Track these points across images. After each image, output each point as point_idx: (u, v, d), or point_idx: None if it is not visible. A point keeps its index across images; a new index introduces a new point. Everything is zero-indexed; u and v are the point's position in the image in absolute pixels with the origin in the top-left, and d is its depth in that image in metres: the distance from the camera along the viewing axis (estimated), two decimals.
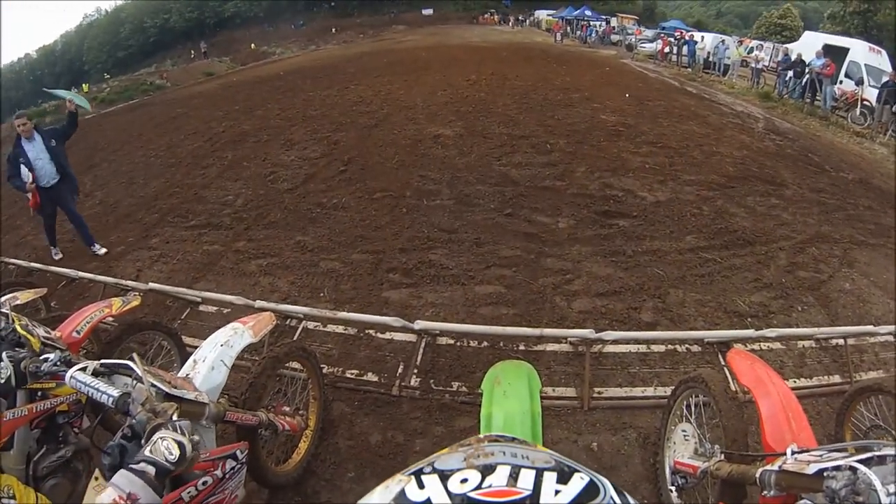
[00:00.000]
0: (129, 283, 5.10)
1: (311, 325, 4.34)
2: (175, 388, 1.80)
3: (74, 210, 6.58)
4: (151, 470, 1.31)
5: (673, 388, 2.88)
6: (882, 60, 17.52)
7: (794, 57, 16.89)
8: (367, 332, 4.23)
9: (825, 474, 1.35)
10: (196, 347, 3.60)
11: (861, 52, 17.75)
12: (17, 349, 2.01)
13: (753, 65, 19.73)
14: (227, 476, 1.92)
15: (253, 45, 43.68)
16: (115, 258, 6.46)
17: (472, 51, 24.09)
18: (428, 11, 52.94)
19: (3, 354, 1.84)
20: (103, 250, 6.58)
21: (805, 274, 5.15)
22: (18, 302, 3.50)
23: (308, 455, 3.08)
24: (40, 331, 2.46)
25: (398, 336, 4.15)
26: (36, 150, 6.05)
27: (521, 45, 27.81)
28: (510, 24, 45.82)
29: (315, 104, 13.07)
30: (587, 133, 9.51)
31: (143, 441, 1.44)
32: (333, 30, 46.00)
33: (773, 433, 2.01)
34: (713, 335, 3.98)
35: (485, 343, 4.05)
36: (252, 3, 57.96)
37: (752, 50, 23.35)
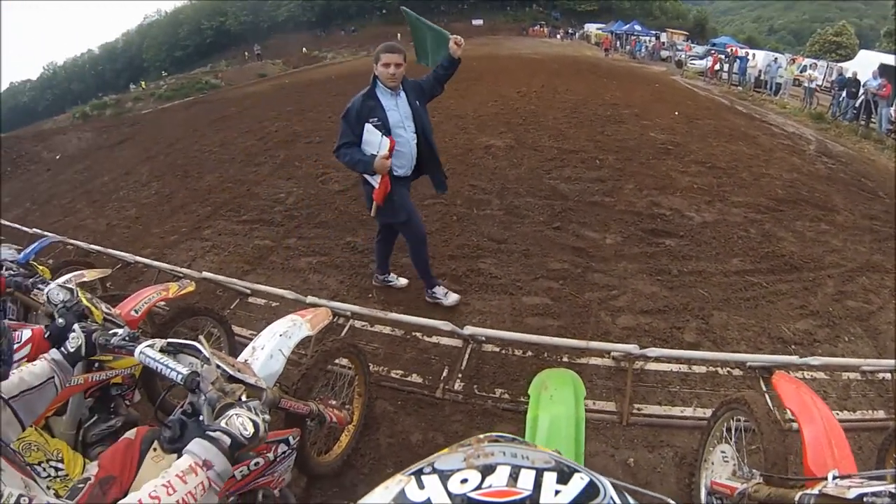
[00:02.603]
0: (183, 270, 5.26)
1: (358, 324, 4.41)
2: (238, 371, 1.85)
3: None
4: (227, 440, 1.36)
5: (714, 409, 2.87)
6: None
7: (848, 76, 16.40)
8: (413, 334, 4.28)
9: (865, 499, 1.36)
10: (244, 337, 3.74)
11: None
12: (83, 321, 2.09)
13: (806, 84, 19.13)
14: (277, 459, 1.99)
15: (305, 49, 44.71)
16: (170, 246, 6.68)
17: (522, 62, 24.13)
18: (478, 22, 53.36)
19: (76, 326, 1.92)
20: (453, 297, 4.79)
21: (853, 303, 5.00)
22: (85, 279, 3.72)
23: (349, 448, 3.14)
24: (103, 307, 2.58)
25: (444, 340, 4.19)
26: (400, 111, 4.08)
27: (571, 59, 27.72)
28: (559, 36, 45.78)
29: None
30: (636, 150, 9.45)
31: (202, 418, 1.48)
32: (399, 36, 46.69)
33: (815, 458, 2.00)
34: (756, 359, 3.91)
35: (529, 352, 4.07)
36: (305, 8, 59.35)
37: (804, 69, 22.93)
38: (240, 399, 1.57)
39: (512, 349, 4.11)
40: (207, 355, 1.72)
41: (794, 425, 3.05)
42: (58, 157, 15.58)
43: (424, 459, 0.76)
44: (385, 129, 3.93)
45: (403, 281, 5.02)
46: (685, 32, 44.07)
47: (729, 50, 27.65)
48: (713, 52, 28.40)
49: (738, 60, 23.33)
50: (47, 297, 2.59)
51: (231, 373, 1.77)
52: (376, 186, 4.03)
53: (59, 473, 2.13)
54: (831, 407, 3.72)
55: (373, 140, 3.91)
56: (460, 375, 3.82)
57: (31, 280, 3.12)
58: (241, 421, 1.42)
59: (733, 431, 2.66)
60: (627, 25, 39.53)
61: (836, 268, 5.55)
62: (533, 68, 21.37)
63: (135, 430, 1.82)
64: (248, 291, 4.96)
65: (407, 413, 3.56)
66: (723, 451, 2.61)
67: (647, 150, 9.50)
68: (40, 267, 4.00)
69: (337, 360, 3.12)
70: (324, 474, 2.92)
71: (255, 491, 1.99)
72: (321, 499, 2.98)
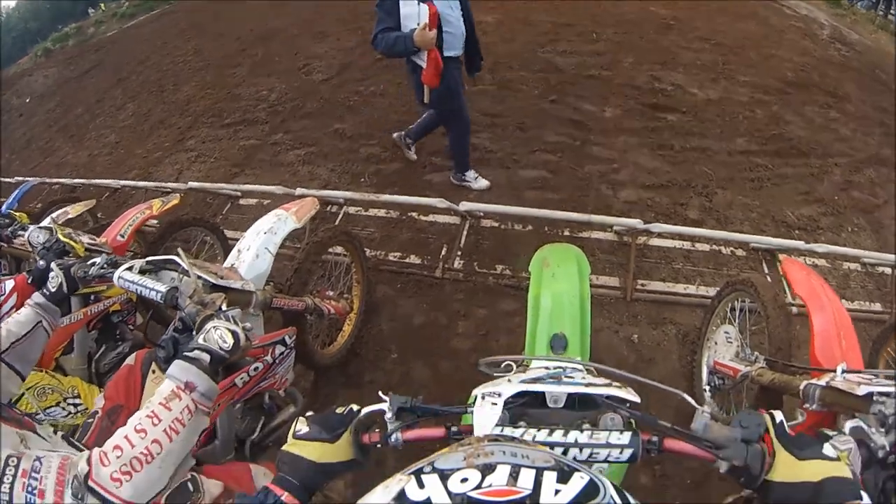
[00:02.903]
0: (170, 184, 5.23)
1: (352, 210, 4.34)
2: (221, 278, 1.83)
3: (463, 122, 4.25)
4: (206, 357, 1.32)
5: (719, 288, 2.86)
6: None
7: None
8: (409, 214, 4.20)
9: (874, 398, 1.35)
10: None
11: None
12: (64, 258, 2.04)
13: None
14: (276, 361, 1.98)
15: None
16: (154, 164, 6.52)
17: None
18: None
19: (53, 264, 1.84)
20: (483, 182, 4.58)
21: (859, 195, 4.89)
22: (70, 216, 3.66)
23: (352, 338, 3.18)
24: (84, 238, 2.55)
25: (441, 218, 4.12)
26: None
27: None
28: None
29: None
30: (636, 24, 9.00)
31: (194, 332, 1.45)
32: None
33: (823, 348, 1.96)
34: (761, 241, 3.91)
35: (529, 227, 4.02)
36: None
37: None
38: (220, 309, 1.52)
39: (511, 224, 4.06)
40: (186, 267, 1.71)
41: (796, 310, 3.15)
42: (27, 100, 15.06)
43: (424, 459, 0.74)
44: None
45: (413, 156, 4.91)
46: None
47: None
48: None
49: None
50: (28, 242, 2.60)
51: (213, 281, 1.77)
52: (423, 65, 3.56)
53: (80, 409, 2.22)
54: None
55: (411, 13, 3.46)
56: (459, 253, 3.80)
57: (9, 229, 3.09)
58: (220, 333, 1.38)
59: (737, 312, 2.66)
60: None
61: (843, 157, 5.41)
62: None
63: (134, 354, 1.87)
64: (238, 194, 4.90)
65: (407, 295, 3.57)
66: (726, 332, 2.62)
67: (647, 24, 9.06)
68: (17, 213, 3.91)
69: (331, 249, 3.08)
70: (329, 366, 2.96)
71: (260, 394, 2.04)
72: (329, 390, 3.03)
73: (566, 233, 4.00)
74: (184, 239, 3.44)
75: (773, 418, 0.93)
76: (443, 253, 3.82)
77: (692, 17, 9.77)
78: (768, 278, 3.49)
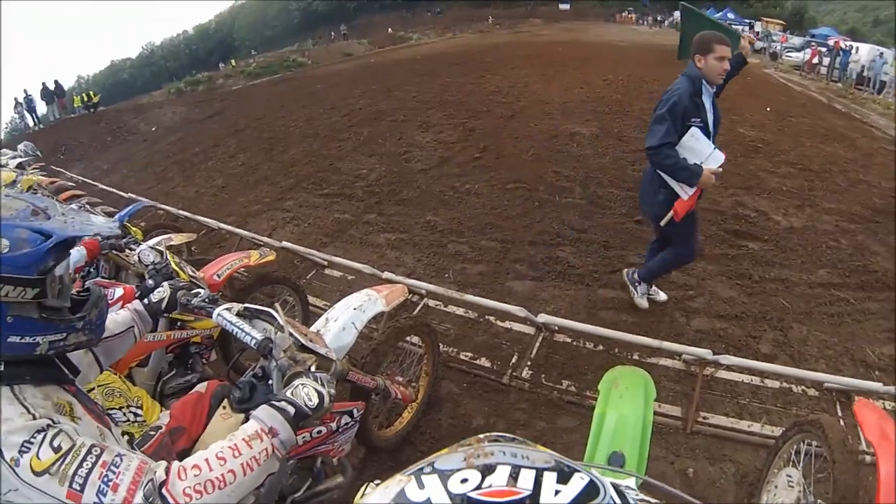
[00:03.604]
0: (264, 238, 5.46)
1: (432, 303, 4.46)
2: (311, 341, 1.92)
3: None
4: (291, 409, 1.41)
5: (784, 428, 2.73)
6: None
7: None
8: (486, 317, 4.27)
9: None
10: (318, 307, 3.86)
11: None
12: (172, 280, 2.19)
13: None
14: (339, 430, 2.07)
15: (391, 30, 45.07)
16: (252, 215, 6.98)
17: (610, 49, 23.41)
18: (565, 6, 52.14)
19: (165, 283, 2.03)
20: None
21: None
22: (173, 242, 3.87)
23: (410, 425, 3.18)
24: (189, 269, 2.79)
25: (517, 326, 4.17)
26: (714, 115, 3.65)
27: (659, 47, 26.57)
28: (648, 24, 44.07)
29: (452, 90, 13.27)
30: (724, 146, 8.71)
31: (272, 383, 1.55)
32: (490, 19, 45.84)
33: (889, 496, 1.89)
34: (835, 380, 3.66)
35: (600, 346, 4.01)
36: None
37: None
38: (309, 369, 1.63)
39: (583, 341, 4.05)
40: (282, 323, 1.80)
41: (869, 458, 2.92)
42: (154, 129, 16.58)
43: (424, 459, 0.77)
44: (706, 134, 3.48)
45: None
46: (782, 22, 41.24)
47: (830, 42, 25.72)
48: (812, 44, 26.53)
49: (839, 54, 21.41)
50: (138, 258, 2.85)
51: (303, 342, 1.86)
52: (684, 198, 3.59)
53: (138, 419, 2.32)
54: None
55: (697, 148, 3.45)
56: (529, 363, 3.79)
57: (123, 240, 3.36)
58: (307, 391, 1.48)
59: (802, 455, 2.52)
60: (720, 13, 37.45)
61: None
62: (620, 56, 20.68)
63: (205, 383, 1.95)
64: (326, 263, 5.10)
65: (472, 396, 3.56)
66: (788, 476, 2.50)
67: (734, 146, 8.99)
68: (133, 228, 4.33)
69: (408, 338, 3.13)
70: (382, 448, 2.97)
71: (314, 457, 2.08)
72: (376, 470, 3.00)
73: (635, 356, 3.95)
74: (268, 294, 3.65)
75: None
76: (513, 360, 3.81)
77: (779, 140, 9.76)
78: (841, 422, 3.30)
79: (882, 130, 12.77)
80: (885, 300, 4.89)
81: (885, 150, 10.56)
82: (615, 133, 9.35)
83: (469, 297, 4.19)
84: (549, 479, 0.68)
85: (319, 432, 1.95)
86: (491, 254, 5.20)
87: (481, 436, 0.92)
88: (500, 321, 4.25)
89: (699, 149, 3.42)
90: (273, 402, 1.43)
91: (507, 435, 0.95)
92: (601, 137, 9.08)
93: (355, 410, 2.15)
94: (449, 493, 0.67)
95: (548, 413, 3.43)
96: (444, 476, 0.70)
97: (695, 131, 3.41)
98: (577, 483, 0.67)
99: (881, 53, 21.06)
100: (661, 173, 3.62)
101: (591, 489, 0.67)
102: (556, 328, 4.03)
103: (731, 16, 37.04)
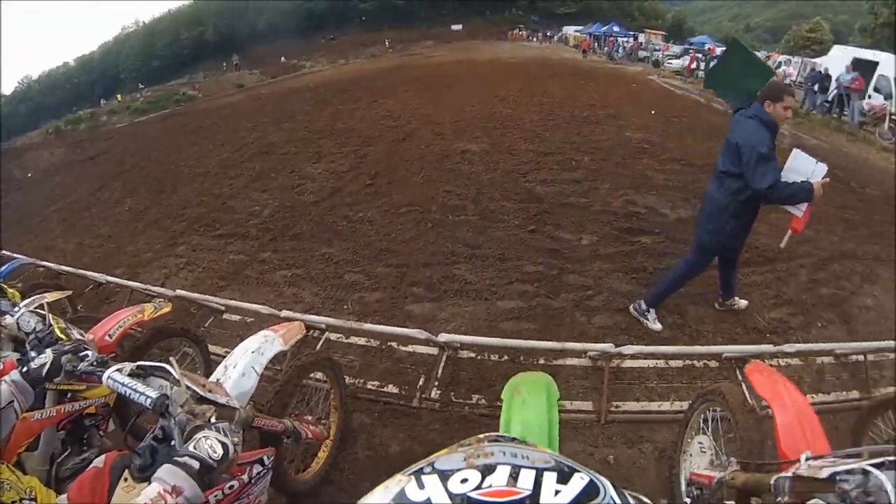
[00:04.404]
0: (156, 289, 5.19)
1: (333, 336, 4.36)
2: (209, 391, 1.82)
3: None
4: (195, 464, 1.34)
5: (690, 401, 2.91)
6: None
7: (820, 72, 16.92)
8: (389, 344, 4.24)
9: (838, 478, 1.37)
10: (220, 355, 3.67)
11: (890, 65, 17.43)
12: (56, 345, 2.05)
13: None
14: (252, 481, 1.94)
15: (283, 59, 44.61)
16: (143, 264, 6.62)
17: (500, 67, 24.35)
18: (457, 27, 53.64)
19: (49, 349, 1.89)
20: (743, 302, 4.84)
21: (826, 291, 5.09)
22: (46, 301, 3.58)
23: (327, 464, 3.09)
24: (75, 333, 2.51)
25: (420, 349, 4.16)
26: None
27: (549, 62, 27.97)
28: (538, 40, 46.12)
29: (343, 118, 13.25)
30: (612, 150, 9.49)
31: (174, 443, 1.47)
32: (386, 42, 46.11)
33: (788, 442, 2.03)
34: (731, 350, 3.97)
35: (505, 357, 4.07)
36: (285, 17, 59.11)
37: (780, 65, 23.33)
38: (209, 421, 1.55)
39: (488, 354, 4.09)
40: (177, 377, 1.70)
41: (769, 412, 3.16)
42: (29, 174, 15.43)
43: (424, 459, 0.76)
44: None
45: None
46: (663, 32, 44.71)
47: (707, 49, 28.08)
48: (691, 51, 28.84)
49: (715, 59, 23.66)
50: (17, 324, 2.55)
51: (202, 393, 1.75)
52: (798, 216, 3.87)
53: None
54: (806, 391, 3.78)
55: (801, 167, 3.79)
56: (436, 383, 3.80)
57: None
58: (210, 443, 1.40)
59: (710, 422, 2.69)
60: (605, 27, 39.89)
61: (808, 257, 5.62)
62: (511, 72, 21.52)
63: (103, 456, 1.78)
64: (223, 308, 4.91)
65: (384, 425, 3.53)
66: (700, 442, 2.65)
67: (622, 149, 9.55)
68: (10, 290, 3.92)
69: (312, 375, 3.07)
70: (302, 492, 2.86)
71: None
72: None
73: (541, 361, 4.04)
74: (166, 348, 3.43)
75: None
76: (420, 383, 3.83)
77: (664, 140, 10.32)
78: (743, 386, 3.52)
79: None
80: (767, 271, 5.34)
81: None
82: (506, 147, 9.62)
83: (368, 327, 4.17)
84: (549, 478, 0.68)
85: (231, 487, 1.81)
86: (387, 280, 5.17)
87: (481, 436, 0.92)
88: (402, 346, 4.22)
89: (802, 168, 3.75)
90: (175, 459, 1.33)
91: (508, 435, 0.98)
92: (491, 153, 9.31)
93: (266, 458, 2.02)
94: (449, 492, 0.66)
95: (462, 429, 3.43)
96: (444, 476, 0.70)
97: (796, 153, 3.80)
98: (577, 483, 0.67)
99: None
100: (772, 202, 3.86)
101: (591, 489, 0.66)
102: (459, 345, 4.05)
103: (616, 29, 39.35)
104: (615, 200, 7.09)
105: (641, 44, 35.65)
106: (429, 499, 0.66)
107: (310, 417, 2.87)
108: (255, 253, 6.28)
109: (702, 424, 2.75)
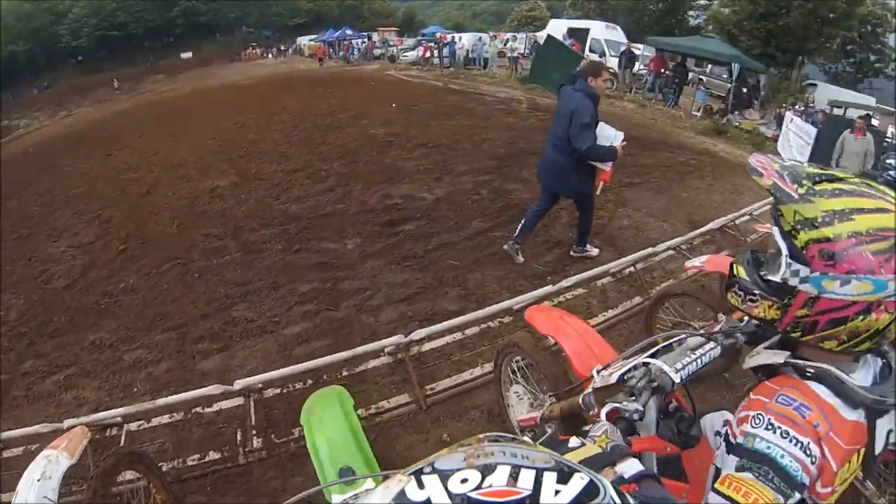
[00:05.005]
0: None
1: (133, 426, 4.00)
2: None
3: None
4: None
5: (493, 359, 3.17)
6: (617, 34, 22.53)
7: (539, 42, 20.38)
8: (193, 411, 4.04)
9: (625, 377, 1.53)
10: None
11: (600, 30, 22.83)
12: None
13: (510, 54, 22.88)
14: None
15: None
16: None
17: (236, 90, 23.55)
18: (187, 55, 49.94)
19: None
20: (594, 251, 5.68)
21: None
22: None
23: None
24: None
25: (225, 404, 4.03)
26: None
27: (285, 76, 27.72)
28: (273, 55, 45.23)
29: (76, 181, 11.85)
30: (359, 150, 9.90)
31: None
32: (115, 83, 40.43)
33: (581, 363, 2.28)
34: (518, 301, 4.30)
35: (309, 381, 4.11)
36: None
37: (507, 42, 26.70)
38: None
39: (292, 385, 4.11)
40: None
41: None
42: None
43: (424, 459, 0.76)
44: None
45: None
46: (396, 28, 46.89)
47: (438, 37, 30.42)
48: (423, 41, 30.83)
49: (447, 45, 26.50)
50: None
51: None
52: (606, 170, 4.91)
53: None
54: (597, 312, 4.59)
55: (609, 134, 4.82)
56: (254, 432, 3.72)
57: None
58: None
59: (517, 371, 2.94)
60: (339, 32, 40.12)
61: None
62: (248, 94, 20.99)
63: None
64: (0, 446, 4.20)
65: (220, 494, 3.37)
66: (516, 392, 2.83)
67: (369, 147, 10.01)
68: None
69: (121, 477, 2.82)
70: None
71: None
72: None
73: (344, 373, 4.16)
74: None
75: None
76: (238, 438, 3.71)
77: (408, 129, 11.09)
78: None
79: (493, 95, 15.71)
80: None
81: (499, 110, 13.00)
82: (253, 174, 9.54)
83: (163, 401, 3.85)
84: (549, 478, 0.68)
85: None
86: (170, 346, 4.91)
87: (481, 436, 0.92)
88: (208, 407, 4.04)
89: (610, 135, 4.82)
90: None
91: (507, 435, 0.97)
92: (240, 184, 9.16)
93: None
94: (449, 492, 0.67)
95: (297, 466, 3.42)
96: (444, 476, 0.70)
97: (602, 126, 4.82)
98: (577, 483, 0.68)
99: (480, 38, 27.85)
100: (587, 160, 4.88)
101: (592, 489, 0.68)
102: (260, 385, 3.97)
103: (349, 32, 39.81)
104: (371, 198, 7.47)
105: (376, 43, 36.77)
106: (429, 499, 0.67)
107: None
108: (15, 367, 5.39)
109: (511, 376, 3.01)
